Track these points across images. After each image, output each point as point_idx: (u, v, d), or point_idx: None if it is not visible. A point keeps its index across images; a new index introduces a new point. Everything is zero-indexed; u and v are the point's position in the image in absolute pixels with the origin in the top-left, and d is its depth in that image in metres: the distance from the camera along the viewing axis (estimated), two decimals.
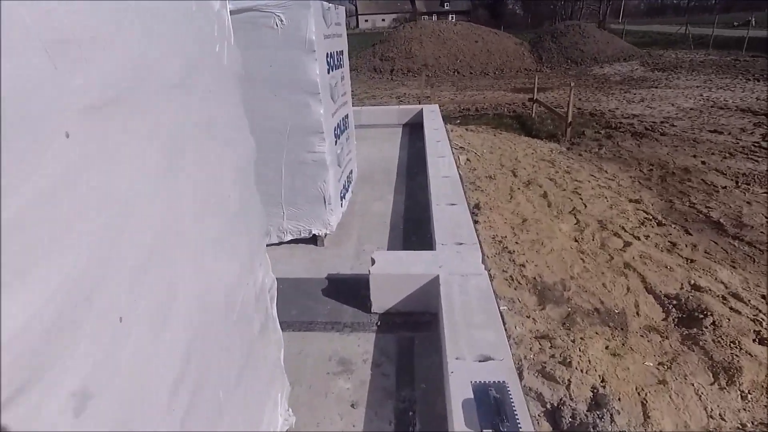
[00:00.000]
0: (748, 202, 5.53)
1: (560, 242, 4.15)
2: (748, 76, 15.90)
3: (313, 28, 2.93)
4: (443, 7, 71.90)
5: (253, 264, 1.50)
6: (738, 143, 8.17)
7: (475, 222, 4.20)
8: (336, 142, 3.64)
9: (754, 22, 30.59)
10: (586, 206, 5.15)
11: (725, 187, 6.07)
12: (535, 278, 3.50)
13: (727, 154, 7.55)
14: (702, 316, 3.41)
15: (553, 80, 18.66)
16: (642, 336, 3.28)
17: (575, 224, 4.71)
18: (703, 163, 7.19)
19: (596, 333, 3.18)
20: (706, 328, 3.29)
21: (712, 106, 11.55)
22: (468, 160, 6.25)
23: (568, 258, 3.88)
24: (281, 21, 2.91)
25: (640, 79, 17.34)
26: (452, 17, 60.23)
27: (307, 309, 2.84)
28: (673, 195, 5.90)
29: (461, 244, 2.94)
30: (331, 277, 3.18)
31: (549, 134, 9.58)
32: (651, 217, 5.11)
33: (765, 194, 5.81)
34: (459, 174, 4.55)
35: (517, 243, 4.00)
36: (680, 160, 7.34)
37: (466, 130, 8.95)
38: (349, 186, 4.22)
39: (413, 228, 3.88)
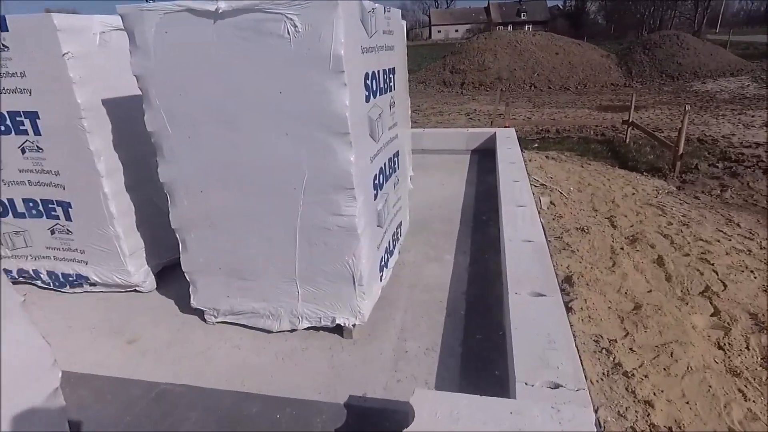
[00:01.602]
0: None
1: (699, 352, 2.73)
2: None
3: (341, 38, 1.95)
4: (520, 17, 69.12)
5: None
6: None
7: (569, 309, 2.96)
8: (376, 195, 2.62)
9: None
10: (725, 285, 3.58)
11: None
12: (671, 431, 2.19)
13: None
14: None
15: (646, 97, 16.41)
16: None
17: (714, 316, 3.19)
18: None
19: None
20: None
21: None
22: (551, 203, 4.92)
23: (717, 387, 2.47)
24: (295, 27, 1.96)
25: (755, 98, 14.74)
26: (529, 27, 57.62)
27: None
28: None
29: (558, 386, 1.78)
30: (352, 403, 2.14)
31: (650, 166, 7.85)
32: None
33: None
34: (544, 231, 3.35)
35: (632, 351, 2.69)
36: None
37: (546, 158, 7.48)
38: (395, 246, 3.18)
39: (479, 315, 2.74)
